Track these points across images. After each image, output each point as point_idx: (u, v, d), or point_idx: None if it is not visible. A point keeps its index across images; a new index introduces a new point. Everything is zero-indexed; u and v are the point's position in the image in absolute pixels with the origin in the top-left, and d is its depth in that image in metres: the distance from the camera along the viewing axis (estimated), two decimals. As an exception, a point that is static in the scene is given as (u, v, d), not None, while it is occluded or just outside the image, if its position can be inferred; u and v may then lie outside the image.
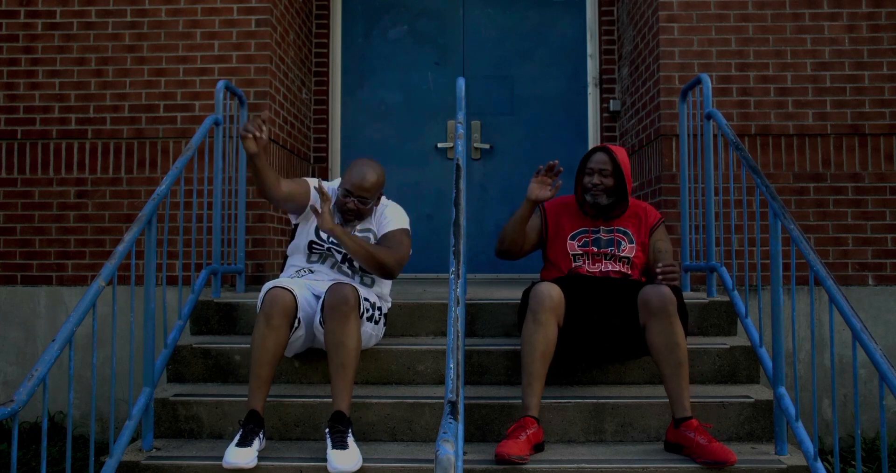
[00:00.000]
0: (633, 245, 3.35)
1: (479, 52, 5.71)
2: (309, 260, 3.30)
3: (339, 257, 3.28)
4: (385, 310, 3.34)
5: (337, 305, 2.90)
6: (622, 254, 3.32)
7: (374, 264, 3.11)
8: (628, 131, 5.26)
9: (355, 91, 5.73)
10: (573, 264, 3.32)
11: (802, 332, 4.23)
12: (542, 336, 2.94)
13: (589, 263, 3.31)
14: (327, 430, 2.85)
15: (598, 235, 3.34)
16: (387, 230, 3.27)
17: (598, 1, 5.65)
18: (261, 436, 2.87)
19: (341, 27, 5.76)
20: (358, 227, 3.30)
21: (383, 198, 3.39)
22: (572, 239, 3.35)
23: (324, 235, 3.27)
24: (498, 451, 2.76)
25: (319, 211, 2.99)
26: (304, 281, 3.20)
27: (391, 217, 3.32)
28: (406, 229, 3.31)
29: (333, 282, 3.04)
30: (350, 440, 2.82)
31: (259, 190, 3.19)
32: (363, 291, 3.12)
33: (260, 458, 2.85)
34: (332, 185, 3.41)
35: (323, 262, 3.29)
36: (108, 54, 4.53)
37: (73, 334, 2.47)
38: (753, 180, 3.25)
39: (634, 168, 5.10)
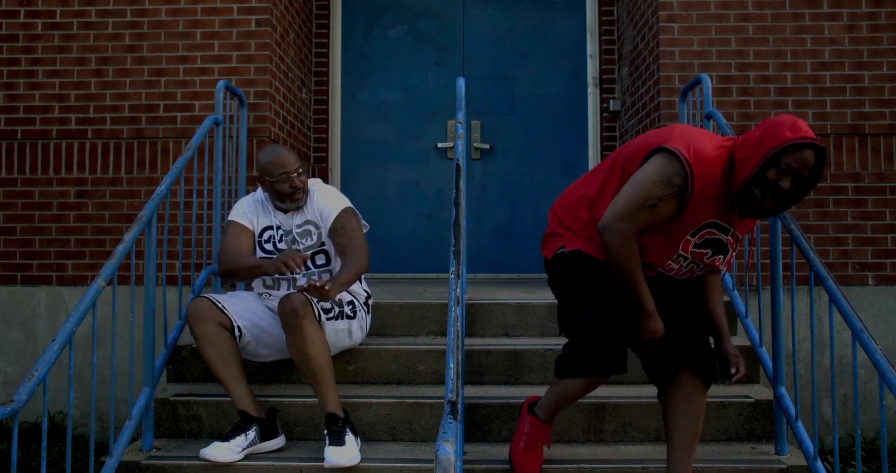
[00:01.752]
0: (735, 251, 2.63)
1: (479, 52, 5.71)
2: (265, 285, 3.26)
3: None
4: (363, 300, 3.28)
5: (286, 319, 2.86)
6: (721, 267, 2.61)
7: (358, 277, 3.05)
8: (628, 131, 5.26)
9: (355, 91, 5.73)
10: (666, 264, 2.55)
11: (802, 332, 4.23)
12: (587, 391, 2.67)
13: (683, 269, 2.57)
14: (325, 432, 2.86)
15: (717, 236, 2.51)
16: (331, 219, 3.15)
17: (598, 1, 5.65)
18: (248, 433, 2.88)
19: (341, 27, 5.76)
20: (296, 223, 3.21)
21: (310, 179, 3.31)
22: (693, 234, 2.48)
23: (269, 246, 3.21)
24: (518, 471, 2.72)
25: (317, 289, 2.81)
26: (262, 302, 3.21)
27: (328, 203, 3.20)
28: (349, 207, 3.20)
29: (285, 295, 2.94)
30: (348, 438, 2.83)
31: (235, 279, 3.17)
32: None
33: (260, 457, 2.86)
34: (250, 199, 3.31)
35: (278, 288, 3.23)
36: (108, 54, 4.53)
37: (73, 334, 2.47)
38: (753, 180, 3.24)
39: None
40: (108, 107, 4.51)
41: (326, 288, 2.77)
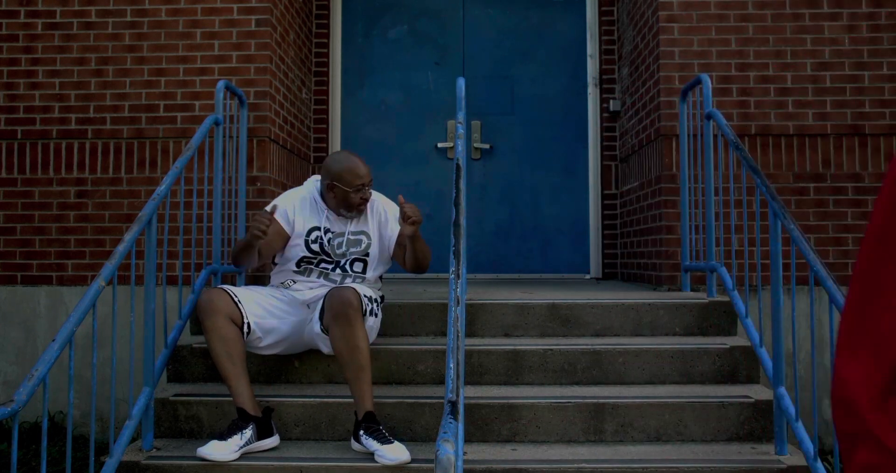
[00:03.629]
0: None
1: (479, 52, 5.71)
2: (294, 271, 3.28)
3: (329, 267, 3.24)
4: (378, 298, 3.31)
5: (342, 310, 2.90)
6: None
7: (427, 252, 3.23)
8: (628, 131, 5.26)
9: (355, 91, 5.73)
10: None
11: (802, 332, 4.23)
12: None
13: None
14: (362, 431, 2.87)
15: None
16: (396, 226, 3.25)
17: (598, 1, 5.64)
18: (245, 431, 2.88)
19: (341, 27, 5.76)
20: (351, 230, 3.25)
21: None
22: None
23: (316, 247, 3.22)
24: None
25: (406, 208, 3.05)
26: (275, 292, 3.22)
27: (390, 210, 3.32)
28: None
29: (333, 288, 3.02)
30: (389, 435, 2.87)
31: (247, 262, 3.17)
32: (361, 289, 3.12)
33: (260, 457, 2.86)
34: (299, 196, 3.31)
35: (308, 275, 3.27)
36: (108, 54, 4.53)
37: (73, 334, 2.47)
38: (753, 180, 3.25)
39: (634, 167, 5.10)
40: (108, 107, 4.51)
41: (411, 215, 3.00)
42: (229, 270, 3.93)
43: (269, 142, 4.47)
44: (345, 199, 3.17)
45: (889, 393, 0.78)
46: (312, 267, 3.24)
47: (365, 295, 3.08)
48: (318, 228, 3.24)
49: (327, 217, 3.24)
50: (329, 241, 3.22)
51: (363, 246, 3.27)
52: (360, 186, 3.16)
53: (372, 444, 2.83)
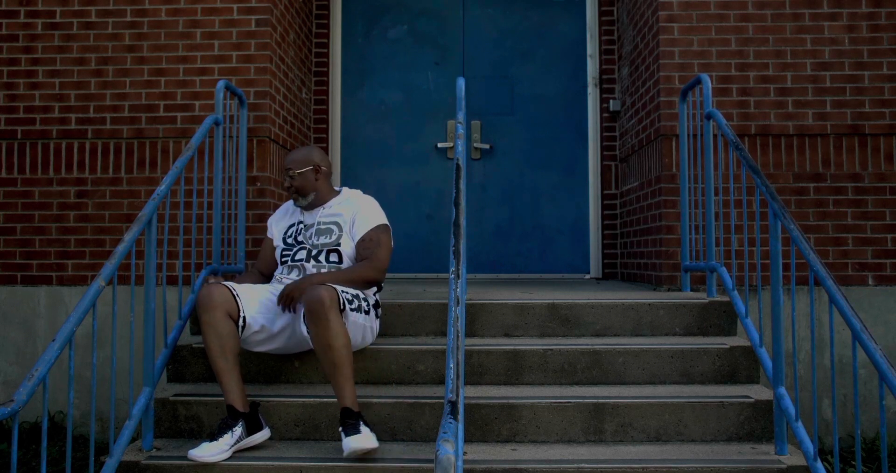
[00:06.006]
0: None
1: (479, 52, 5.71)
2: (281, 272, 3.36)
3: (303, 255, 3.30)
4: (372, 302, 3.29)
5: (314, 308, 2.90)
6: None
7: (362, 284, 3.21)
8: (628, 131, 5.26)
9: (355, 91, 5.73)
10: None
11: (802, 332, 4.23)
12: None
13: None
14: (340, 428, 2.88)
15: None
16: (365, 228, 3.29)
17: (598, 1, 5.65)
18: (235, 429, 2.89)
19: (341, 27, 5.76)
20: (325, 213, 3.36)
21: (350, 190, 3.48)
22: None
23: (290, 240, 3.38)
24: None
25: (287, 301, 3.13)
26: (271, 288, 3.26)
27: (367, 212, 3.34)
28: (385, 224, 3.35)
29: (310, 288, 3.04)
30: (363, 427, 2.86)
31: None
32: (339, 287, 3.09)
33: (259, 457, 2.86)
34: (284, 205, 3.59)
35: (289, 273, 3.32)
36: (108, 54, 4.53)
37: (73, 334, 2.47)
38: (753, 180, 3.25)
39: (634, 167, 5.10)
40: (108, 107, 4.51)
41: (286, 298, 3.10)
42: (229, 270, 3.93)
43: (269, 142, 4.47)
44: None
45: None
46: (290, 262, 3.31)
47: (343, 291, 3.05)
48: (294, 224, 3.42)
49: (300, 213, 3.44)
50: (300, 232, 3.37)
51: (334, 236, 3.31)
52: (285, 170, 3.36)
53: (342, 438, 2.84)
